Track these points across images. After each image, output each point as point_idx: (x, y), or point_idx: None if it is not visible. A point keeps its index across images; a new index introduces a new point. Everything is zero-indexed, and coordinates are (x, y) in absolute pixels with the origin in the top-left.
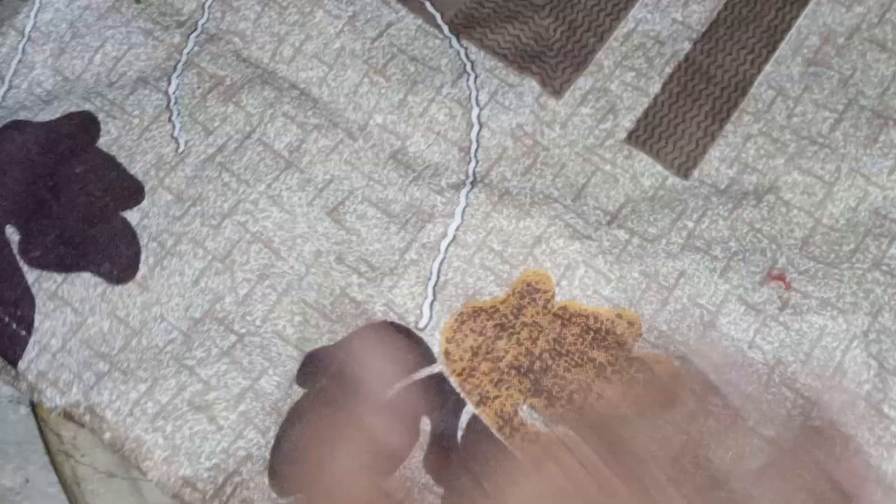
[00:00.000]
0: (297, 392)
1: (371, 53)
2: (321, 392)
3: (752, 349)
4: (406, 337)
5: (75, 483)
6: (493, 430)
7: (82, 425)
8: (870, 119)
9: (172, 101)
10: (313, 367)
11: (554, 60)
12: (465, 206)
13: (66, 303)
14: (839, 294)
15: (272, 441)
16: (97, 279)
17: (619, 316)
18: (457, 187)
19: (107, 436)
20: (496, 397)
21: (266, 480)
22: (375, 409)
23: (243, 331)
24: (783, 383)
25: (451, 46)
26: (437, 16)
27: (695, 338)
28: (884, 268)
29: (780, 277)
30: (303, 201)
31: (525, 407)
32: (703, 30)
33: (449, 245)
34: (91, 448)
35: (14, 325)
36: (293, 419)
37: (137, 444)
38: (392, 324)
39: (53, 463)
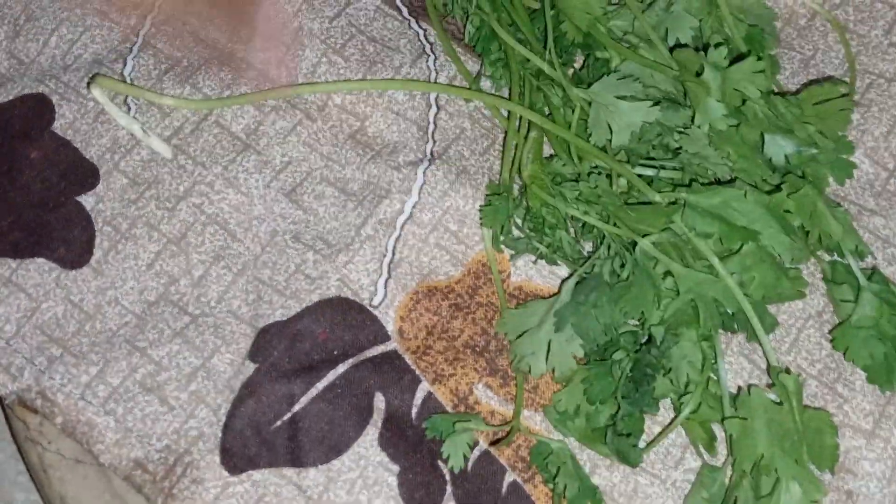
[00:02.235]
0: (250, 368)
1: (330, 33)
2: (272, 367)
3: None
4: (359, 313)
5: (42, 470)
6: (448, 409)
7: (35, 411)
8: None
9: (128, 82)
10: (265, 342)
11: None
12: (423, 184)
13: (20, 289)
14: None
15: (224, 419)
16: (52, 264)
17: None
18: (415, 164)
19: (58, 420)
20: (451, 376)
21: (217, 459)
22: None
23: (197, 312)
24: (741, 353)
25: (409, 28)
26: None
27: None
28: None
29: None
30: (260, 183)
31: (480, 386)
32: None
33: (405, 222)
34: (57, 435)
35: None
36: (244, 395)
37: (89, 427)
38: (345, 300)
39: (21, 451)
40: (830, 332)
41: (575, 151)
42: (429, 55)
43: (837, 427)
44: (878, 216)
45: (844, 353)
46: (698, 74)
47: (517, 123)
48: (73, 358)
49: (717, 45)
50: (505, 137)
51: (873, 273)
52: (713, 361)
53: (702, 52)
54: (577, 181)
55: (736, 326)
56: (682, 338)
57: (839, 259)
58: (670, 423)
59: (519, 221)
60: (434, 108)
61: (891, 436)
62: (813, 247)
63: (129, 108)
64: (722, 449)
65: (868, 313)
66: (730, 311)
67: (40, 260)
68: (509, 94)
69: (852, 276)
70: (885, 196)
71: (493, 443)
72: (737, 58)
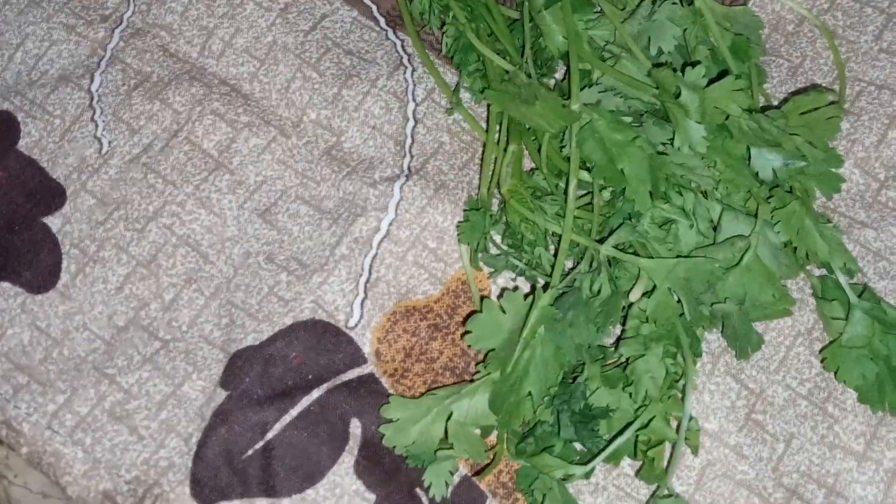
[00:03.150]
0: (222, 395)
1: (304, 47)
2: (244, 393)
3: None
4: (334, 336)
5: None
6: None
7: (0, 442)
8: None
9: (96, 98)
10: (237, 368)
11: None
12: (399, 200)
13: None
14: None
15: (195, 448)
16: (17, 289)
17: None
18: (391, 180)
19: (24, 451)
20: None
21: (188, 490)
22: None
23: (168, 336)
24: (728, 373)
25: (387, 38)
26: (374, 7)
27: None
28: None
29: None
30: (233, 204)
31: None
32: None
33: (382, 240)
34: (24, 468)
35: None
36: (216, 423)
37: (56, 458)
38: (319, 322)
39: None
40: (821, 351)
41: (549, 167)
42: (406, 67)
43: (829, 448)
44: (870, 228)
45: (835, 373)
46: (677, 96)
47: (496, 136)
48: (40, 386)
49: (694, 65)
50: (483, 150)
51: (864, 290)
52: (677, 380)
53: (679, 73)
54: (555, 195)
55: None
56: (649, 352)
57: (829, 275)
58: (615, 436)
59: (497, 238)
60: (412, 122)
61: (883, 458)
62: (801, 262)
63: (97, 126)
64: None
65: (859, 332)
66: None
67: (5, 284)
68: (488, 108)
69: (842, 293)
70: (875, 207)
71: (476, 473)
72: (722, 72)
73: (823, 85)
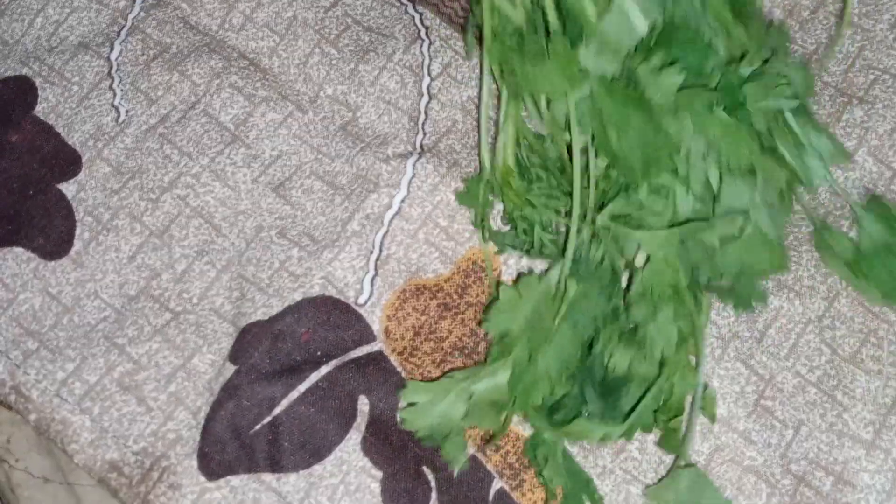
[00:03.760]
0: (230, 369)
1: (324, 23)
2: (253, 368)
3: (707, 324)
4: (344, 312)
5: (10, 489)
6: None
7: (9, 407)
8: (833, 96)
9: (114, 67)
10: (246, 343)
11: None
12: (412, 177)
13: None
14: (796, 277)
15: (202, 422)
16: (30, 254)
17: None
18: (404, 156)
19: (32, 417)
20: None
21: (195, 464)
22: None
23: (179, 308)
24: (738, 358)
25: (406, 12)
26: None
27: None
28: None
29: None
30: (247, 178)
31: None
32: None
33: (393, 217)
34: (25, 452)
35: None
36: (224, 398)
37: (64, 425)
38: (329, 298)
39: None
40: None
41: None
42: (423, 40)
43: (837, 436)
44: None
45: (862, 282)
46: None
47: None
48: (50, 353)
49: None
50: (478, 110)
51: (871, 198)
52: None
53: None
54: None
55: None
56: (659, 314)
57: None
58: (640, 399)
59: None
60: (426, 98)
61: (892, 447)
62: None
63: (115, 94)
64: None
65: (875, 233)
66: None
67: (18, 249)
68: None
69: (841, 238)
70: (888, 196)
71: (487, 441)
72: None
73: (835, 72)
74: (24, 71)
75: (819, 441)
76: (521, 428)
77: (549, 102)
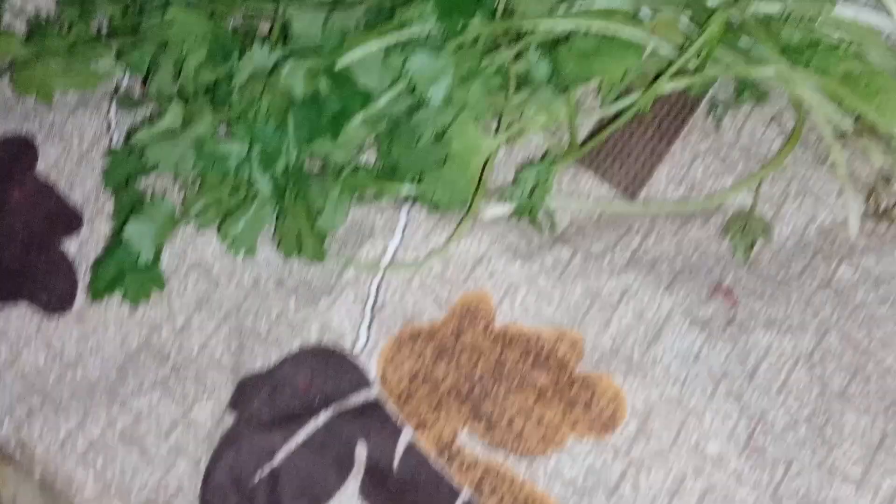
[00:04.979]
0: (230, 419)
1: None
2: (252, 418)
3: (697, 363)
4: (340, 360)
5: None
6: (431, 456)
7: (14, 463)
8: (819, 138)
9: (113, 123)
10: (246, 393)
11: None
12: (406, 225)
13: (1, 335)
14: (787, 313)
15: (203, 472)
16: (34, 310)
17: (562, 337)
18: (398, 205)
19: (37, 472)
20: (435, 422)
21: None
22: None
23: (179, 360)
24: (730, 396)
25: None
26: None
27: (639, 354)
28: (832, 288)
29: (727, 294)
30: None
31: (464, 432)
32: None
33: (388, 264)
34: (15, 483)
35: None
36: (224, 447)
37: (68, 480)
38: (326, 347)
39: None
40: None
41: None
42: None
43: (827, 473)
44: (869, 254)
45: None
46: None
47: None
48: (53, 408)
49: None
50: None
51: None
52: None
53: None
54: None
55: None
56: None
57: None
58: None
59: None
60: None
61: (881, 484)
62: None
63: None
64: None
65: None
66: None
67: (22, 305)
68: None
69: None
70: (876, 235)
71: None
72: None
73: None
74: (25, 128)
75: (809, 479)
76: (516, 470)
77: None
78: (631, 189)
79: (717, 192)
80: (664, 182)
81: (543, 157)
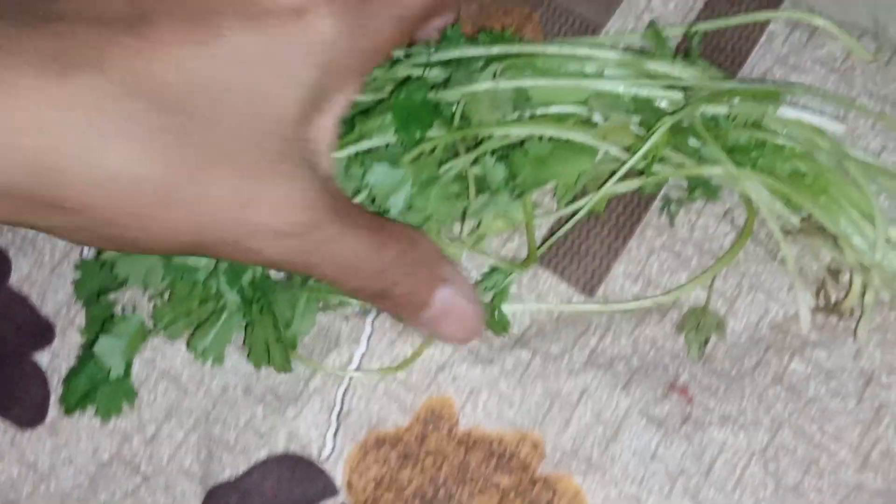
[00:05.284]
0: None
1: None
2: None
3: (654, 461)
4: (308, 467)
5: None
6: None
7: None
8: (769, 234)
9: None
10: (215, 502)
11: None
12: (371, 334)
13: None
14: (741, 409)
15: None
16: (6, 424)
17: (523, 438)
18: (362, 314)
19: None
20: None
21: None
22: None
23: (149, 471)
24: (686, 493)
25: None
26: None
27: (598, 453)
28: (785, 383)
29: (683, 391)
30: None
31: None
32: None
33: (354, 372)
34: None
35: None
36: None
37: None
38: (293, 454)
39: None
40: None
41: None
42: None
43: None
44: (821, 348)
45: None
46: None
47: None
48: None
49: None
50: None
51: None
52: None
53: None
54: None
55: None
56: None
57: None
58: None
59: None
60: None
61: None
62: None
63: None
64: None
65: None
66: None
67: None
68: None
69: None
70: (827, 329)
71: None
72: None
73: None
74: None
75: None
76: None
77: None
78: (589, 286)
79: (672, 288)
80: (621, 278)
81: (501, 262)
